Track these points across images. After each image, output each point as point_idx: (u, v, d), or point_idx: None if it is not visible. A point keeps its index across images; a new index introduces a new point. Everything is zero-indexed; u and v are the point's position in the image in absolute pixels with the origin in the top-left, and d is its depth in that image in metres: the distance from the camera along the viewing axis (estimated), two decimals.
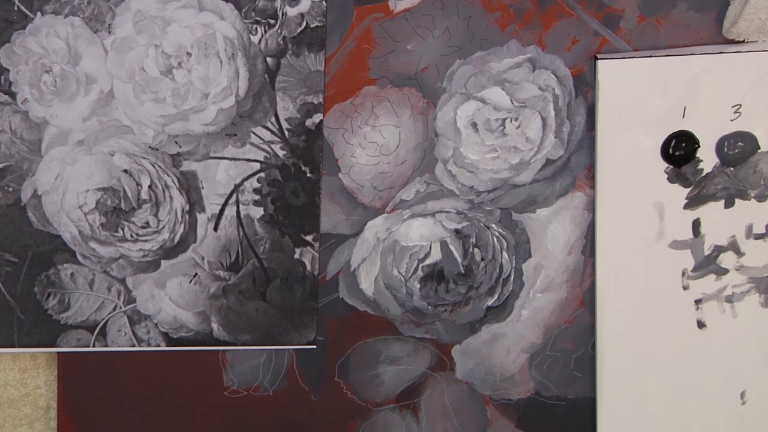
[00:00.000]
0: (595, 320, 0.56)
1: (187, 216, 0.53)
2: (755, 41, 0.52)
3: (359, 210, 0.54)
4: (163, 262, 0.53)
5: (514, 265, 0.56)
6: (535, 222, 0.55)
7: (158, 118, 0.51)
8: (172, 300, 0.53)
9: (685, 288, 0.55)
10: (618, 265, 0.55)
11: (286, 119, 0.52)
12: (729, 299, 0.55)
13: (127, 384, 0.54)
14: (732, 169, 0.54)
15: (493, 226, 0.55)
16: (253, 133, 0.52)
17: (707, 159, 0.54)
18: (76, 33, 0.50)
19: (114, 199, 0.52)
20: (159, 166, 0.52)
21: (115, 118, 0.51)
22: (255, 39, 0.51)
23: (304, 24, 0.51)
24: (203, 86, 0.51)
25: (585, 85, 0.53)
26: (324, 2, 0.51)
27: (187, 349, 0.54)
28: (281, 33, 0.51)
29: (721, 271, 0.55)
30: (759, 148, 0.54)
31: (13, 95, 0.50)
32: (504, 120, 0.53)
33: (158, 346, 0.54)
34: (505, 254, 0.55)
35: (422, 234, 0.55)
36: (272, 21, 0.51)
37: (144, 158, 0.52)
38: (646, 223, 0.55)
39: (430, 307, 0.56)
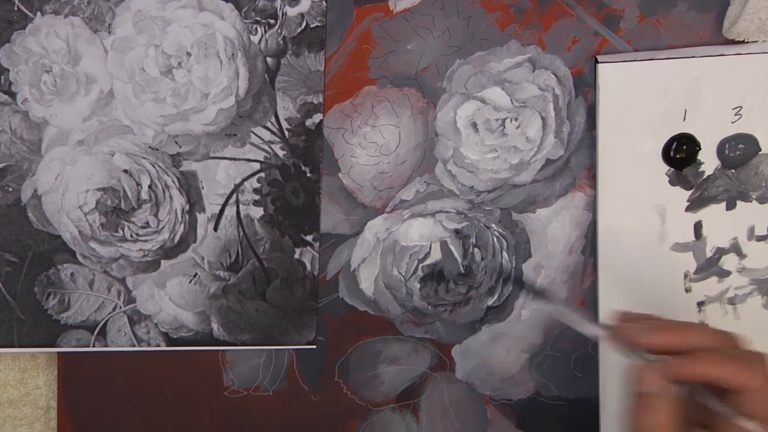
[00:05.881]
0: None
1: (187, 216, 0.53)
2: (755, 41, 0.52)
3: (359, 210, 0.54)
4: (163, 262, 0.53)
5: (514, 265, 0.55)
6: (535, 222, 0.55)
7: (158, 118, 0.51)
8: (172, 300, 0.53)
9: (687, 290, 0.55)
10: (620, 269, 0.55)
11: (286, 119, 0.52)
12: (731, 301, 0.55)
13: (127, 384, 0.54)
14: (733, 171, 0.54)
15: (493, 226, 0.55)
16: (253, 133, 0.52)
17: (708, 161, 0.54)
18: (76, 33, 0.50)
19: (114, 199, 0.52)
20: (159, 166, 0.52)
21: (115, 118, 0.51)
22: (255, 39, 0.51)
23: (304, 24, 0.51)
24: (203, 86, 0.51)
25: (585, 85, 0.53)
26: (324, 2, 0.51)
27: (187, 349, 0.54)
28: (281, 33, 0.51)
29: (724, 273, 0.55)
30: (760, 150, 0.53)
31: (13, 95, 0.50)
32: (504, 120, 0.53)
33: (158, 346, 0.54)
34: (505, 254, 0.55)
35: (422, 234, 0.55)
36: (272, 21, 0.51)
37: (144, 158, 0.52)
38: (648, 225, 0.54)
39: (430, 307, 0.55)
